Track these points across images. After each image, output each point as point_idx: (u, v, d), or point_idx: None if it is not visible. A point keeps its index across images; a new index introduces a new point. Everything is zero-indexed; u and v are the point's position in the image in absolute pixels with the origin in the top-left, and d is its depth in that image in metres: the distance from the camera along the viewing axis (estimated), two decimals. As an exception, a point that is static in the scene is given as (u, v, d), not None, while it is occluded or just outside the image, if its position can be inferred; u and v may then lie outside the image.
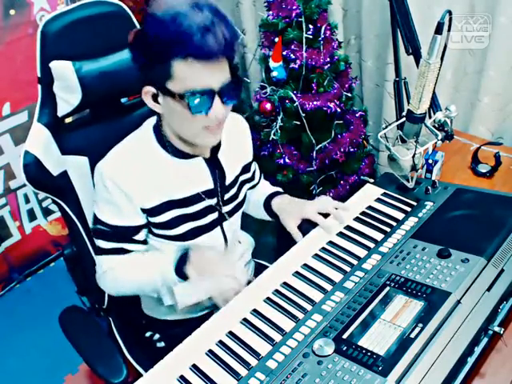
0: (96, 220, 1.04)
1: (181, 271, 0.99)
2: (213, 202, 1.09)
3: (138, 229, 1.05)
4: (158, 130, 1.02)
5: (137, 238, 1.06)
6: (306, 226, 1.15)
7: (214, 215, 1.10)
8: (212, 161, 1.08)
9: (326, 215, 1.15)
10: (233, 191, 1.13)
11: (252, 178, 1.25)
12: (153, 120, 1.05)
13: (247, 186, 1.22)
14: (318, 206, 1.15)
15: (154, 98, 0.93)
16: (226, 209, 1.12)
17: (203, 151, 1.06)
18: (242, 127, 1.18)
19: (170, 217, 1.04)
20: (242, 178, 1.17)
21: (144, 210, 1.02)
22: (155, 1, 0.87)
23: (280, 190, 1.30)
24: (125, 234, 1.04)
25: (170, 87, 0.88)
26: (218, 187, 1.09)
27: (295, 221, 1.15)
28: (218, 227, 1.13)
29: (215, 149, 1.08)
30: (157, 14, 0.84)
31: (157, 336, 1.20)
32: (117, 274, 1.07)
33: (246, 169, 1.19)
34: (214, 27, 0.83)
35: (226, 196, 1.12)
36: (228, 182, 1.11)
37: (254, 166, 1.26)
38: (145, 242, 1.09)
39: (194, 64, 0.85)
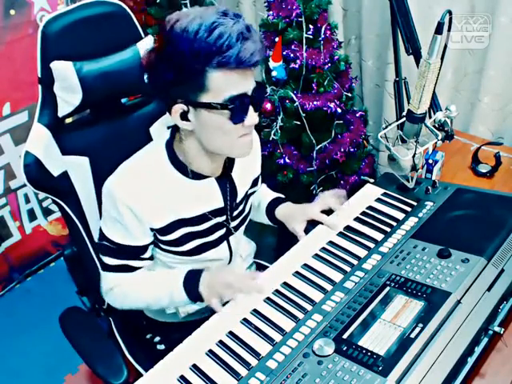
0: (103, 236, 1.04)
1: (191, 294, 0.99)
2: (222, 219, 1.09)
3: (145, 248, 1.05)
4: (171, 148, 1.00)
5: (144, 256, 1.06)
6: (306, 226, 1.16)
7: (222, 231, 1.10)
8: (224, 179, 1.06)
9: (328, 214, 1.15)
10: (241, 206, 1.13)
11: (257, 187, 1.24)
12: (166, 135, 1.02)
13: (252, 197, 1.21)
14: (320, 205, 1.15)
15: (183, 115, 0.91)
16: (233, 224, 1.12)
17: (216, 170, 1.05)
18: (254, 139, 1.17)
19: (179, 235, 1.04)
20: (250, 191, 1.17)
21: (153, 229, 1.02)
22: (175, 16, 0.85)
23: (280, 195, 1.29)
24: (132, 252, 1.04)
25: (206, 100, 0.86)
26: (227, 205, 1.08)
27: (301, 224, 1.15)
28: (225, 241, 1.13)
29: (229, 167, 1.08)
30: (187, 27, 0.81)
31: (157, 338, 1.20)
32: (124, 291, 1.07)
33: (255, 182, 1.18)
34: (250, 33, 0.83)
35: (235, 212, 1.12)
36: (239, 199, 1.11)
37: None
38: (151, 258, 1.09)
39: (231, 72, 0.84)
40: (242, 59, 0.82)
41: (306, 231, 1.14)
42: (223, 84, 0.85)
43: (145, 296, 1.07)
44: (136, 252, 1.04)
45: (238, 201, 1.11)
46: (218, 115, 0.87)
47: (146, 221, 0.99)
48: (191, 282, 1.00)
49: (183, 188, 1.01)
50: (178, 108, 0.89)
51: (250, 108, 0.89)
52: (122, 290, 1.07)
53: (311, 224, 1.15)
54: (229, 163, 1.08)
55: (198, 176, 1.02)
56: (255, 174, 1.18)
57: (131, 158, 1.01)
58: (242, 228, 1.18)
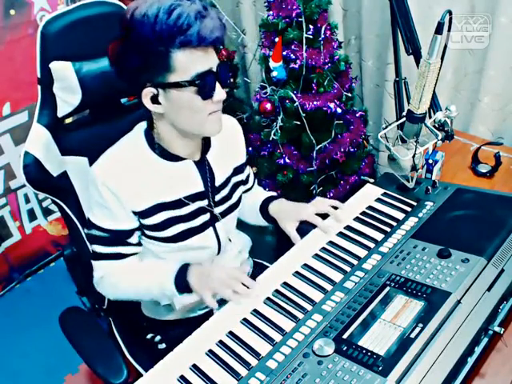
0: (90, 224, 1.05)
1: (180, 284, 1.01)
2: (204, 203, 1.09)
3: (131, 232, 1.05)
4: (148, 134, 1.03)
5: (131, 240, 1.06)
6: (306, 226, 1.15)
7: (206, 216, 1.11)
8: (201, 163, 1.08)
9: (324, 217, 1.15)
10: (224, 192, 1.13)
11: (246, 181, 1.25)
12: (143, 124, 1.05)
13: (241, 188, 1.22)
14: (316, 208, 1.15)
15: (153, 99, 0.93)
16: (218, 210, 1.13)
17: (194, 153, 1.07)
18: (234, 129, 1.19)
19: (161, 219, 1.04)
20: (234, 179, 1.17)
21: (135, 213, 1.03)
22: (133, 4, 0.88)
23: (275, 194, 1.30)
24: (119, 237, 1.05)
25: (174, 79, 0.90)
26: (208, 189, 1.09)
27: (293, 223, 1.15)
28: (211, 228, 1.13)
29: (204, 150, 1.09)
30: (147, 12, 0.85)
31: (158, 338, 1.20)
32: (115, 280, 1.08)
33: (238, 170, 1.18)
34: (207, 11, 0.87)
35: (218, 197, 1.12)
36: (218, 183, 1.11)
37: (249, 170, 1.27)
38: (139, 244, 1.10)
39: (194, 50, 0.87)
40: (203, 36, 0.86)
41: (301, 232, 1.14)
42: (188, 62, 0.88)
43: (135, 285, 1.08)
44: (122, 237, 1.05)
45: (217, 185, 1.11)
46: (188, 93, 0.91)
47: (126, 202, 1.00)
48: (182, 271, 1.02)
49: (162, 171, 1.03)
50: (148, 92, 0.93)
51: (217, 84, 0.93)
52: (112, 278, 1.08)
53: (311, 224, 1.15)
54: (204, 146, 1.09)
55: (176, 158, 1.04)
56: (237, 162, 1.18)
57: (112, 146, 1.03)
58: (230, 217, 1.18)
